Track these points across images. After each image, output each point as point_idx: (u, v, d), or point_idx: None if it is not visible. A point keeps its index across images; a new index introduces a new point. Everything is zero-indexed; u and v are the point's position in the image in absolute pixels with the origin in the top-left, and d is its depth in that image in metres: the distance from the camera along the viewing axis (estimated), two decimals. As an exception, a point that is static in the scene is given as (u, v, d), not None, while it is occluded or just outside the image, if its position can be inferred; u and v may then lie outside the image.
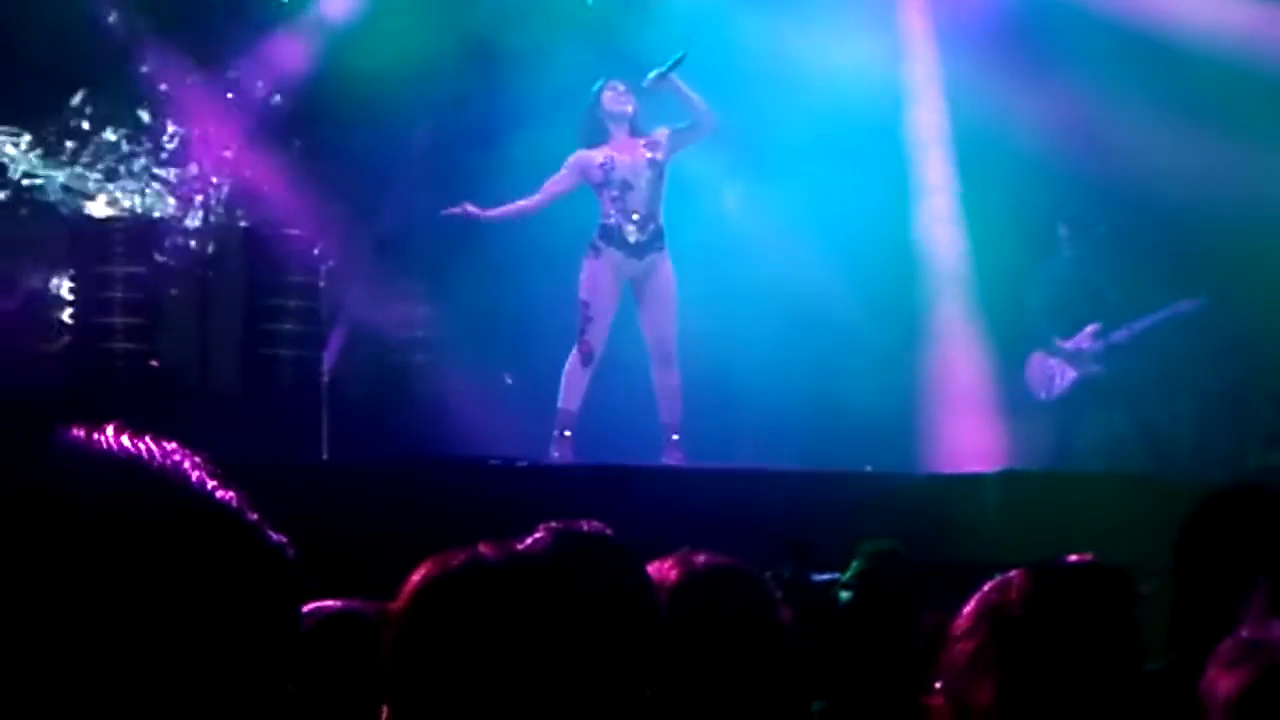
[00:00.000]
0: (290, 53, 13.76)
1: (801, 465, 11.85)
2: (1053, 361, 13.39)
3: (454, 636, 2.54)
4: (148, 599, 1.54)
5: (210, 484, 1.61)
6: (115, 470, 1.58)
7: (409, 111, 13.80)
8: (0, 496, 1.55)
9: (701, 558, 3.61)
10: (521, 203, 11.74)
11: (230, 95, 13.72)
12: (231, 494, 1.62)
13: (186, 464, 1.61)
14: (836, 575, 7.00)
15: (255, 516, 1.63)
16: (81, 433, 1.61)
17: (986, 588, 3.20)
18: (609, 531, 3.17)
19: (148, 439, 1.62)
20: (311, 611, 4.12)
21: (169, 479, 1.59)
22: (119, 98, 13.56)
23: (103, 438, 1.61)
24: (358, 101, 13.32)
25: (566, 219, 11.83)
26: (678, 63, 11.46)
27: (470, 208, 11.75)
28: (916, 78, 14.26)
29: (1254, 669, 2.89)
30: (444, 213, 11.84)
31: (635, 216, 11.48)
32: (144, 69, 13.53)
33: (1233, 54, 13.16)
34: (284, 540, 1.65)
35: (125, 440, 1.61)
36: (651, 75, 11.52)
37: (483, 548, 2.61)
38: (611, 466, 10.63)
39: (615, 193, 11.50)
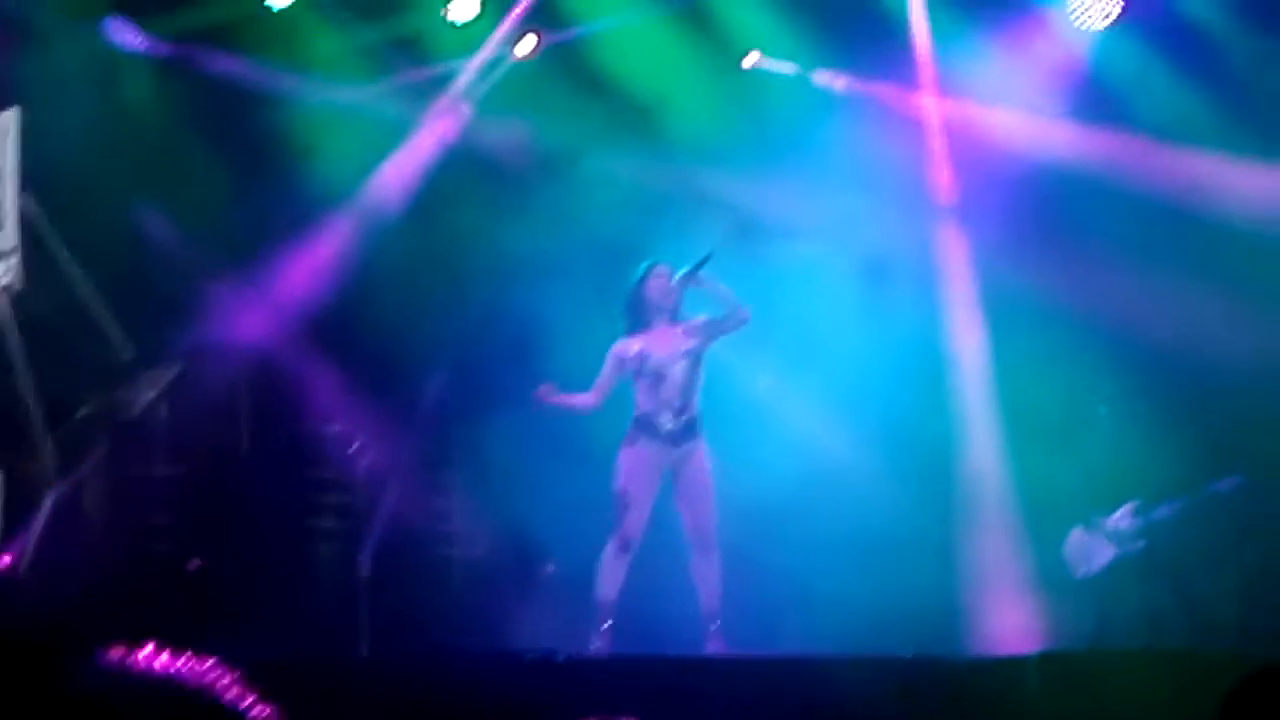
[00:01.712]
0: (329, 249, 13.87)
1: (841, 650, 11.79)
2: (1092, 538, 13.33)
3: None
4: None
5: (246, 701, 1.64)
6: (152, 692, 1.61)
7: (447, 306, 13.89)
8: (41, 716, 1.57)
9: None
10: (581, 398, 11.77)
11: (268, 293, 13.82)
12: (267, 710, 1.65)
13: (223, 681, 1.64)
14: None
15: (289, 731, 1.66)
16: (120, 652, 1.64)
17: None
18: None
19: (185, 656, 1.65)
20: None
21: (204, 700, 1.62)
22: (157, 294, 13.71)
23: (141, 656, 1.64)
24: (396, 296, 13.43)
25: (603, 408, 11.87)
26: (702, 263, 11.62)
27: (548, 390, 11.73)
28: (947, 255, 14.31)
29: None
30: (534, 395, 11.80)
31: (670, 406, 11.53)
32: (183, 268, 13.68)
33: (1270, 225, 13.19)
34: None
35: (163, 658, 1.64)
36: (680, 274, 11.65)
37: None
38: (651, 658, 10.59)
39: (649, 382, 11.57)
